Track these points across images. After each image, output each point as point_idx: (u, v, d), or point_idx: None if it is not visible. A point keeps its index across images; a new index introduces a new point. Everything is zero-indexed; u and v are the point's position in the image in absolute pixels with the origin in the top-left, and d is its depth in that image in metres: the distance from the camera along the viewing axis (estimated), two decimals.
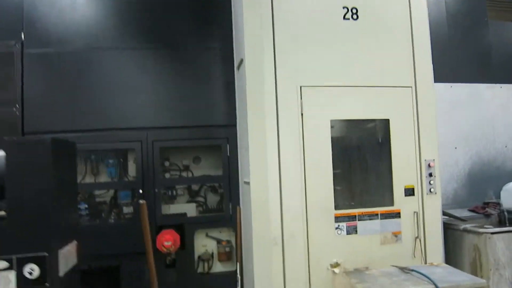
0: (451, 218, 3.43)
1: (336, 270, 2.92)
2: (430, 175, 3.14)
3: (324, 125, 3.00)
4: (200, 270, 3.64)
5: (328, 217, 2.96)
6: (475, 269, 3.10)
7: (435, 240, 3.10)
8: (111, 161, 3.72)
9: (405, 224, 3.07)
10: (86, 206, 3.56)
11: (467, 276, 2.51)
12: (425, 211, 3.10)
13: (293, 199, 2.91)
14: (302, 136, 2.97)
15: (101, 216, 3.65)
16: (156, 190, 3.58)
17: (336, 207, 3.02)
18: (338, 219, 2.97)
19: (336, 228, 2.96)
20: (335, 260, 2.94)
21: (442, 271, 2.61)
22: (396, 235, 3.05)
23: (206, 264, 3.64)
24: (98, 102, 3.58)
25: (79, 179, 3.72)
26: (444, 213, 3.45)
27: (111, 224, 3.59)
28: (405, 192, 3.09)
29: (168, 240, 3.32)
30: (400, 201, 3.07)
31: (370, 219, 3.02)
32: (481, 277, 3.02)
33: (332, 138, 3.05)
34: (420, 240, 3.07)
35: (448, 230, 3.41)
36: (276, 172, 2.90)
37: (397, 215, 3.06)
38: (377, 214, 3.04)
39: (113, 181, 3.69)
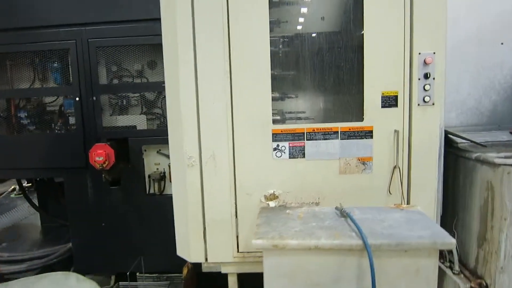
0: (467, 143, 2.35)
1: (272, 203, 2.19)
2: (426, 76, 2.07)
3: None
4: (151, 191, 3.18)
5: (263, 133, 2.16)
6: (485, 217, 2.11)
7: (426, 172, 2.14)
8: (55, 65, 3.24)
9: (379, 147, 2.14)
10: (26, 114, 3.22)
11: (432, 230, 1.61)
12: (413, 130, 2.11)
13: (213, 106, 2.14)
14: (227, 16, 2.09)
15: (48, 126, 3.30)
16: (94, 98, 3.06)
17: (276, 121, 2.20)
18: (277, 137, 2.16)
19: (275, 149, 2.17)
20: (271, 191, 2.20)
21: (400, 219, 1.73)
22: (365, 162, 2.15)
23: (157, 185, 3.15)
24: None
25: (26, 85, 3.36)
26: (457, 136, 2.39)
27: (55, 135, 3.22)
28: (382, 102, 2.10)
29: (99, 156, 2.86)
30: (373, 115, 2.12)
31: (325, 139, 2.15)
32: (491, 228, 2.05)
33: (273, 21, 2.13)
34: (401, 171, 2.14)
35: (460, 159, 2.37)
36: (190, 68, 2.13)
37: (367, 134, 2.13)
38: (336, 132, 2.14)
39: (54, 88, 3.25)
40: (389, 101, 2.10)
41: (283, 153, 2.17)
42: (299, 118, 2.31)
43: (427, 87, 2.08)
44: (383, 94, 2.10)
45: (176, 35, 2.12)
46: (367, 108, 2.11)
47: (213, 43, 2.11)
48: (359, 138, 2.14)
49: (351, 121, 2.17)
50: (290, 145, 2.16)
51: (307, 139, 2.15)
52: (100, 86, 3.07)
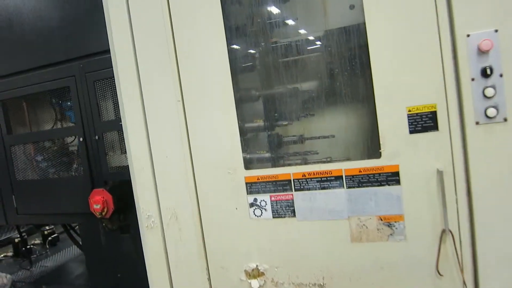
0: None
1: (255, 283, 1.51)
2: (485, 73, 1.17)
3: None
4: None
5: (233, 183, 1.49)
6: None
7: (504, 237, 1.22)
8: (69, 103, 3.05)
9: (413, 198, 1.29)
10: (42, 158, 3.07)
11: None
12: (473, 166, 1.22)
13: (167, 150, 1.57)
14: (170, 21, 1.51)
15: (67, 168, 3.11)
16: (97, 137, 2.74)
17: (250, 164, 1.51)
18: (253, 187, 1.47)
19: (252, 206, 1.49)
20: (253, 265, 1.51)
21: None
22: (391, 223, 1.32)
23: None
24: None
25: (49, 126, 3.26)
26: None
27: (67, 179, 3.01)
28: (410, 124, 1.26)
29: (97, 203, 2.51)
30: (397, 146, 1.29)
31: (322, 188, 1.39)
32: None
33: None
34: (456, 238, 1.26)
35: None
36: (136, 105, 1.60)
37: (390, 178, 1.31)
38: (339, 178, 1.37)
39: (57, 129, 3.06)
40: (422, 122, 1.25)
41: (263, 210, 1.47)
42: (284, 157, 1.59)
43: (489, 91, 1.18)
44: (409, 111, 1.26)
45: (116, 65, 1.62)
46: (385, 136, 1.30)
47: (158, 67, 1.54)
48: (377, 185, 1.32)
49: (361, 158, 1.37)
50: (272, 198, 1.45)
51: (295, 189, 1.42)
52: (101, 124, 2.75)
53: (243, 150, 1.53)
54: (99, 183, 2.79)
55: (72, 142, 3.18)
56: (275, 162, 1.58)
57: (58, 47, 2.82)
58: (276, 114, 1.66)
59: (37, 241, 4.78)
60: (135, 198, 1.69)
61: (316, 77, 1.75)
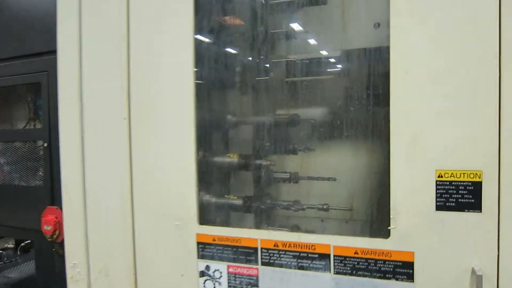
0: None
1: None
2: None
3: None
4: None
5: (180, 240, 1.08)
6: None
7: None
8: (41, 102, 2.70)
9: None
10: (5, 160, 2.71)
11: None
12: None
13: (106, 177, 1.18)
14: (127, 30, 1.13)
15: (34, 176, 2.75)
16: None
17: (208, 216, 1.10)
18: (206, 250, 1.06)
19: (202, 275, 1.07)
20: None
21: None
22: None
23: None
24: None
25: (21, 125, 2.91)
26: None
27: (23, 189, 2.64)
28: (438, 196, 0.84)
29: (48, 224, 2.12)
30: (414, 226, 0.86)
31: (300, 267, 0.97)
32: None
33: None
34: None
35: None
36: (74, 116, 1.22)
37: (399, 270, 0.88)
38: (324, 257, 0.94)
39: (18, 131, 2.70)
40: (458, 196, 0.83)
41: (216, 283, 1.05)
42: (256, 218, 1.17)
43: None
44: (440, 176, 0.83)
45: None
46: (398, 208, 0.87)
47: (104, 67, 1.16)
48: (380, 277, 0.89)
49: (359, 234, 0.96)
50: (230, 270, 1.03)
51: (263, 263, 1.00)
52: None
53: (205, 192, 1.14)
54: (59, 198, 2.40)
55: (41, 146, 2.82)
56: (243, 217, 1.17)
57: (36, 38, 2.48)
58: (258, 146, 1.26)
59: (10, 245, 4.40)
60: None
61: (321, 104, 1.36)
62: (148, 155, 1.10)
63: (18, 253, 4.65)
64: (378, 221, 1.05)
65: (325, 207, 1.26)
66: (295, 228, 1.22)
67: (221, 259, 1.04)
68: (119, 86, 1.13)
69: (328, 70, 1.39)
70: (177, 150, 1.06)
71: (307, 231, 1.22)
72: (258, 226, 1.21)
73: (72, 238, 1.25)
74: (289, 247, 0.97)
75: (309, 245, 0.95)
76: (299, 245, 0.96)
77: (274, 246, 0.98)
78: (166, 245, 1.09)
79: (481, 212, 0.81)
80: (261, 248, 0.99)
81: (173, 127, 1.06)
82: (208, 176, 1.16)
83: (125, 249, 1.15)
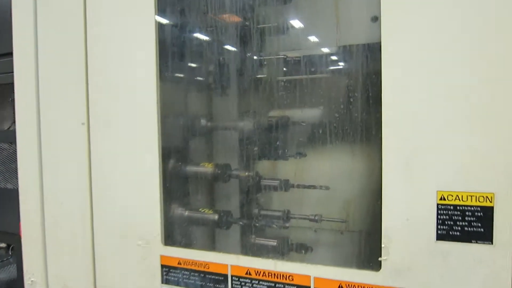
0: None
1: None
2: None
3: None
4: None
5: (143, 262, 0.95)
6: None
7: None
8: None
9: None
10: None
11: None
12: None
13: (65, 190, 1.05)
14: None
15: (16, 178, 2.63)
16: None
17: (174, 235, 0.96)
18: (171, 274, 0.92)
19: None
20: None
21: None
22: None
23: None
24: None
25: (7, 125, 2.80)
26: None
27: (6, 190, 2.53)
28: (439, 223, 0.69)
29: None
30: (410, 259, 0.71)
31: None
32: None
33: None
34: None
35: None
36: (31, 117, 1.09)
37: None
38: None
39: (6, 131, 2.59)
40: (464, 223, 0.67)
41: None
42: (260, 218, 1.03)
43: None
44: (442, 199, 0.68)
45: None
46: (391, 236, 0.72)
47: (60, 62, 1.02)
48: None
49: (345, 265, 0.81)
50: None
51: None
52: None
53: (174, 207, 1.00)
54: None
55: None
56: (223, 236, 1.03)
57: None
58: (242, 153, 1.12)
59: (3, 245, 4.32)
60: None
61: (314, 105, 1.21)
62: (106, 164, 0.96)
63: (10, 253, 4.53)
64: (369, 247, 0.90)
65: (317, 218, 1.11)
66: (282, 242, 1.08)
67: (187, 285, 0.90)
68: (76, 74, 0.99)
69: (321, 68, 1.24)
70: (137, 159, 0.92)
71: (297, 243, 1.09)
72: (242, 242, 1.07)
73: (30, 253, 1.12)
74: (263, 275, 0.82)
75: (286, 275, 0.80)
76: (274, 274, 0.81)
77: (246, 274, 0.84)
78: (128, 268, 0.96)
79: (492, 244, 0.66)
80: (232, 276, 0.85)
81: (131, 131, 0.92)
82: (178, 188, 1.02)
83: (85, 270, 1.02)
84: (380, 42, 0.74)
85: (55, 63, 1.03)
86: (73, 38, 0.99)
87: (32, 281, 1.13)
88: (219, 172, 1.05)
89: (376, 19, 1.01)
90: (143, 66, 0.90)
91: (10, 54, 1.24)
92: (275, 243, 1.09)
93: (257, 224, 1.06)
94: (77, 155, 1.00)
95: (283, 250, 1.07)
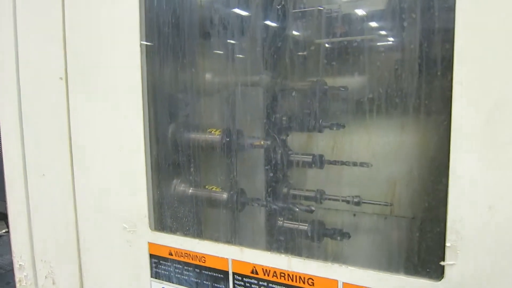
0: None
1: None
2: None
3: None
4: None
5: (130, 249, 0.76)
6: None
7: None
8: None
9: None
10: None
11: None
12: None
13: (46, 158, 0.88)
14: None
15: None
16: None
17: (161, 224, 0.76)
18: (161, 267, 0.73)
19: None
20: None
21: None
22: None
23: None
24: None
25: None
26: None
27: None
28: None
29: None
30: (490, 266, 0.46)
31: None
32: None
33: None
34: None
35: None
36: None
37: None
38: None
39: None
40: None
41: None
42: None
43: None
44: None
45: None
46: (461, 235, 0.47)
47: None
48: None
49: (387, 265, 0.57)
50: None
51: None
52: None
53: (168, 181, 0.80)
54: None
55: None
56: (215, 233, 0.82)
57: None
58: (266, 120, 0.90)
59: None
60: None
61: (355, 68, 0.95)
62: (86, 125, 0.78)
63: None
64: (427, 236, 0.66)
65: (356, 200, 0.89)
66: (314, 226, 0.85)
67: (179, 282, 0.70)
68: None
69: (365, 27, 0.97)
70: (117, 117, 0.72)
71: (333, 228, 0.87)
72: (262, 227, 0.86)
73: (16, 231, 0.98)
74: (274, 276, 0.61)
75: (305, 278, 0.58)
76: (289, 275, 0.60)
77: (252, 272, 0.63)
78: (114, 253, 0.78)
79: None
80: (233, 274, 0.64)
81: (112, 84, 0.72)
82: (172, 160, 0.82)
83: (70, 252, 0.86)
84: None
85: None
86: None
87: (20, 265, 0.99)
88: (228, 140, 0.83)
89: None
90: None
91: None
92: (306, 227, 0.87)
93: (276, 206, 0.84)
94: (56, 115, 0.82)
95: (315, 236, 0.86)
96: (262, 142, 0.83)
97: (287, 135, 0.92)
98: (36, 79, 0.85)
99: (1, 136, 0.98)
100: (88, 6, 0.76)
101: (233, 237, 0.81)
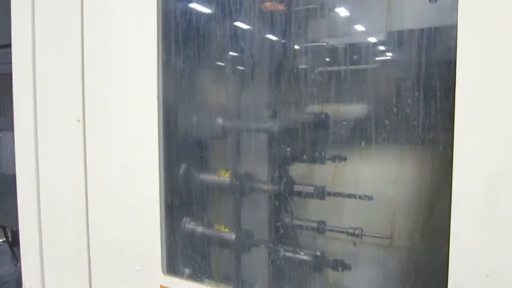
0: None
1: None
2: None
3: None
4: None
5: None
6: None
7: None
8: None
9: None
10: None
11: None
12: None
13: (60, 190, 0.91)
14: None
15: None
16: None
17: (177, 264, 0.79)
18: None
19: None
20: None
21: None
22: None
23: None
24: None
25: None
26: None
27: None
28: None
29: None
30: None
31: None
32: None
33: None
34: None
35: None
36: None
37: None
38: None
39: None
40: None
41: None
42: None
43: None
44: None
45: None
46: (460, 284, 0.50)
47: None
48: None
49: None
50: None
51: None
52: None
53: (180, 224, 0.83)
54: None
55: None
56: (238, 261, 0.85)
57: None
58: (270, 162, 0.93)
59: None
60: None
61: (358, 101, 0.99)
62: (102, 167, 0.81)
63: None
64: (427, 270, 0.68)
65: (357, 232, 0.93)
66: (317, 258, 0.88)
67: None
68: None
69: (367, 57, 1.01)
70: (134, 161, 0.76)
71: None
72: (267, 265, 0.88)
73: (28, 260, 1.00)
74: None
75: None
76: None
77: None
78: None
79: None
80: None
81: (127, 128, 0.76)
82: (186, 201, 0.85)
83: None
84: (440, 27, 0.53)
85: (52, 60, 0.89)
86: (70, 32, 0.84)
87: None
88: (237, 183, 0.86)
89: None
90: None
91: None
92: (308, 257, 0.90)
93: (281, 250, 0.87)
94: (73, 156, 0.86)
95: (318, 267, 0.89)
96: (269, 187, 0.87)
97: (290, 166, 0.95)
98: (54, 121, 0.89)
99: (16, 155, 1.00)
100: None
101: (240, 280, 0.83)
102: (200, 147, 0.89)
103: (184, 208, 0.84)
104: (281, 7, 0.84)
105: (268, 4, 0.85)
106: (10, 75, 1.08)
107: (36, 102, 0.92)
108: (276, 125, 0.93)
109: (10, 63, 1.10)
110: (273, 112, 0.97)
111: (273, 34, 0.90)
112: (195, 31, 0.81)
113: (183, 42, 0.79)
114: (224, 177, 0.88)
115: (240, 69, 0.93)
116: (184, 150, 0.86)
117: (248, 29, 0.86)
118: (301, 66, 0.98)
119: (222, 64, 0.90)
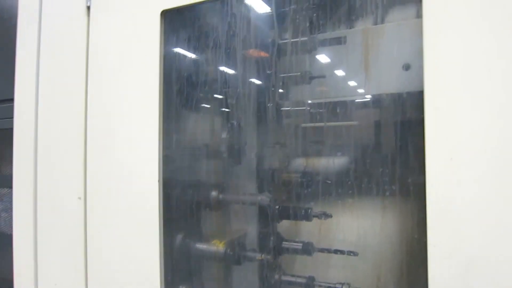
0: None
1: None
2: None
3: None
4: None
5: None
6: None
7: None
8: None
9: None
10: None
11: None
12: None
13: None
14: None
15: None
16: None
17: None
18: None
19: None
20: None
21: None
22: None
23: None
24: None
25: None
26: None
27: None
28: None
29: None
30: None
31: None
32: None
33: None
34: None
35: None
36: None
37: None
38: None
39: None
40: None
41: None
42: None
43: None
44: None
45: None
46: None
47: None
48: None
49: None
50: None
51: None
52: None
53: None
54: None
55: None
56: None
57: None
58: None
59: None
60: None
61: (340, 157, 1.06)
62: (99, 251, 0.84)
63: None
64: None
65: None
66: None
67: None
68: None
69: (349, 117, 1.10)
70: (134, 238, 0.79)
71: None
72: None
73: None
74: None
75: None
76: None
77: None
78: None
79: None
80: None
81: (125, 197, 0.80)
82: (184, 271, 0.88)
83: None
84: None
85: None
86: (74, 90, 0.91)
87: None
88: (231, 253, 0.90)
89: (408, 67, 0.89)
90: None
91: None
92: None
93: None
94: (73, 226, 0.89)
95: None
96: (262, 257, 0.91)
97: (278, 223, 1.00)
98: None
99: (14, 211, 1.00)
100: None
101: None
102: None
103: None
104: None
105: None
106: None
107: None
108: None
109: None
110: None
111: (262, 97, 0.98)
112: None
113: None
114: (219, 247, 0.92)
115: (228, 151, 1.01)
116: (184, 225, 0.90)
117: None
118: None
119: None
